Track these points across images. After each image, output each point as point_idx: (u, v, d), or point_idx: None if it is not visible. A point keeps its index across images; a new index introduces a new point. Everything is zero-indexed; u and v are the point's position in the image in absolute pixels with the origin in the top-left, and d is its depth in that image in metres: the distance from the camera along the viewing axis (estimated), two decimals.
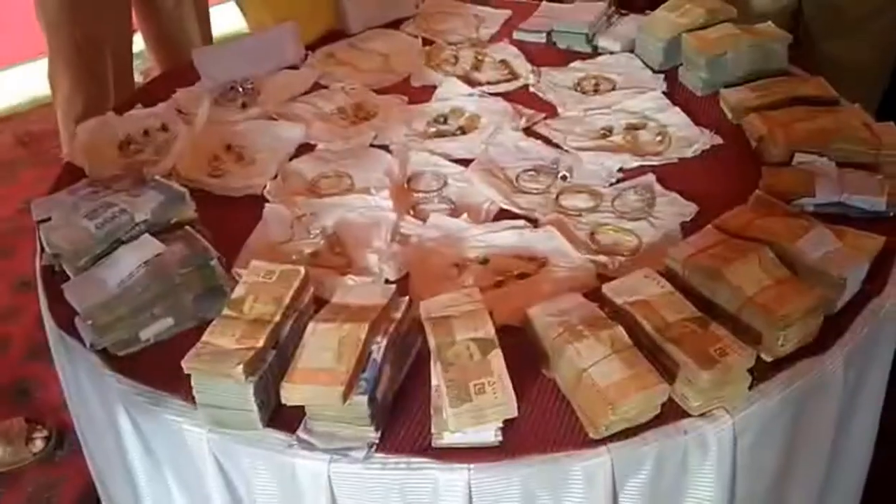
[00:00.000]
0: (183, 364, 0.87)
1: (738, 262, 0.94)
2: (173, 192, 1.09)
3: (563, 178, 1.24)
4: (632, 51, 1.56)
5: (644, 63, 1.52)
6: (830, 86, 1.34)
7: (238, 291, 0.94)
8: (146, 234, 1.02)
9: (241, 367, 0.84)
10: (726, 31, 1.43)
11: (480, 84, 1.50)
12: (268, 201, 1.24)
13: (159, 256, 0.99)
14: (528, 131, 1.37)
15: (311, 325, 0.87)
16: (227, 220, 1.22)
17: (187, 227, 1.06)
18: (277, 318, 0.91)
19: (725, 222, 1.05)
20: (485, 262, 1.10)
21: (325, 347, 0.85)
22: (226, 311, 0.92)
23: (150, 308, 0.99)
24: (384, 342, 0.87)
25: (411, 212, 1.21)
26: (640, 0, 1.91)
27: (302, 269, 0.96)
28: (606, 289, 0.96)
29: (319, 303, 0.98)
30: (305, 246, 1.15)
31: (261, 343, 0.87)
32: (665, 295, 0.94)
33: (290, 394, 0.83)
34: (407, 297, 0.94)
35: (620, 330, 0.88)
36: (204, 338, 0.89)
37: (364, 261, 1.11)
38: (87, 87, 1.87)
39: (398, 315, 0.91)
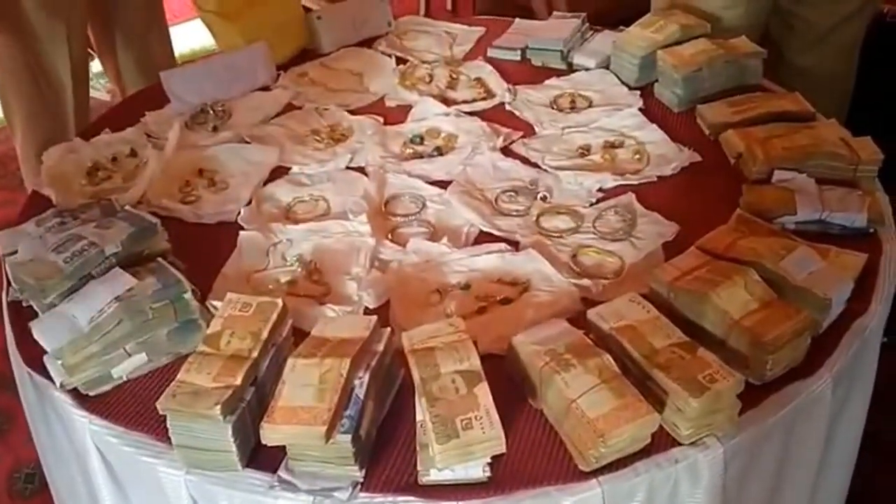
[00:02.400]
0: (158, 405, 0.83)
1: (724, 284, 0.93)
2: (144, 222, 1.05)
3: (543, 198, 1.23)
4: (607, 67, 1.55)
5: (619, 79, 1.51)
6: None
7: (214, 326, 0.91)
8: (117, 268, 0.99)
9: (218, 407, 0.81)
10: (701, 46, 1.43)
11: (456, 103, 1.49)
12: (242, 228, 1.21)
13: (131, 291, 0.96)
14: (506, 151, 1.36)
15: (290, 361, 0.85)
16: (201, 248, 1.19)
17: (159, 259, 1.02)
18: (255, 353, 0.88)
19: (708, 243, 1.04)
20: (466, 287, 1.07)
21: (305, 384, 0.82)
22: (202, 348, 0.89)
23: (122, 345, 0.96)
24: (366, 377, 0.84)
25: (390, 236, 1.19)
26: (612, 16, 1.92)
27: (279, 302, 0.93)
28: (592, 314, 0.95)
29: (298, 334, 0.96)
30: (282, 274, 1.12)
31: (238, 381, 0.84)
32: (651, 320, 0.93)
33: (271, 434, 0.80)
34: (389, 329, 0.92)
35: (608, 358, 0.86)
36: (179, 376, 0.86)
37: (343, 288, 1.08)
38: (42, 119, 1.81)
39: (380, 347, 0.89)
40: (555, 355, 0.87)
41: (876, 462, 1.46)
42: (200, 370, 0.86)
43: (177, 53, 3.08)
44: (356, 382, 0.84)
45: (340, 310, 1.03)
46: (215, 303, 1.04)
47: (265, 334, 0.90)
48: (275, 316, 0.92)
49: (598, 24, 1.67)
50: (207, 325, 0.97)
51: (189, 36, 3.34)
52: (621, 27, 1.65)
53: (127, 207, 1.10)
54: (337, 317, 0.99)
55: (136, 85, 1.95)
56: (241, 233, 1.17)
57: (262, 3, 1.61)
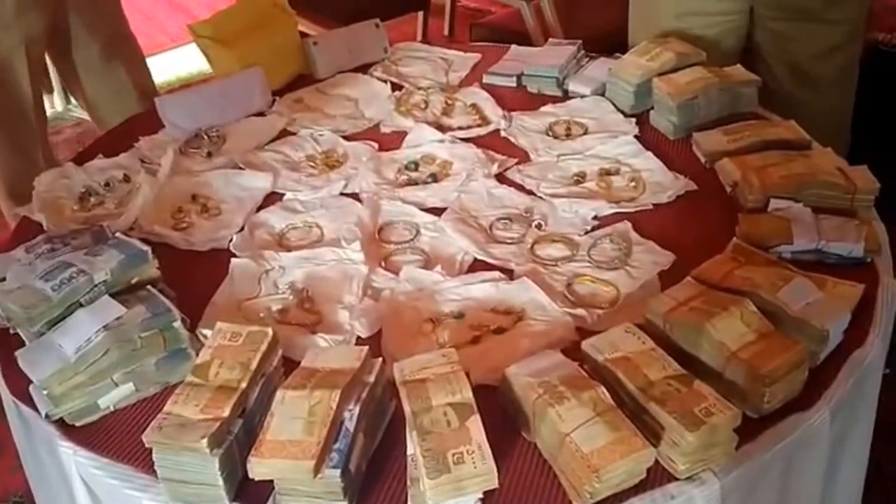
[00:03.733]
0: (144, 438, 0.82)
1: (720, 316, 0.92)
2: (134, 250, 1.04)
3: (538, 226, 1.22)
4: (602, 94, 1.55)
5: (615, 106, 1.51)
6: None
7: (203, 356, 0.90)
8: (105, 296, 0.98)
9: (205, 440, 0.79)
10: (696, 74, 1.43)
11: (451, 129, 1.49)
12: (234, 255, 1.20)
13: (119, 320, 0.95)
14: (501, 177, 1.35)
15: (279, 393, 0.83)
16: (192, 275, 1.18)
17: (149, 287, 1.01)
18: (244, 384, 0.86)
19: (705, 273, 1.03)
20: (460, 316, 1.06)
21: (294, 417, 0.81)
22: (190, 378, 0.88)
23: (109, 374, 0.94)
24: (357, 409, 0.83)
25: (383, 263, 1.18)
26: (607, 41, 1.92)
27: (269, 331, 0.92)
28: (586, 345, 0.93)
29: (289, 364, 0.95)
30: (273, 302, 1.11)
31: (226, 413, 0.83)
32: (646, 351, 0.91)
33: (258, 468, 0.79)
34: (380, 359, 0.90)
35: (602, 391, 0.85)
36: (167, 407, 0.84)
37: (335, 317, 1.07)
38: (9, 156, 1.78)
39: (371, 378, 0.87)
40: (549, 387, 0.86)
41: (884, 497, 1.43)
42: (188, 402, 0.84)
43: (173, 77, 3.09)
44: (346, 415, 0.82)
45: (332, 339, 1.02)
46: (205, 331, 1.02)
47: (254, 364, 0.88)
48: (265, 346, 0.90)
49: (594, 49, 1.67)
50: (197, 354, 0.96)
51: (186, 60, 3.37)
52: (617, 54, 1.66)
53: (118, 234, 1.09)
54: (328, 347, 0.98)
55: (112, 113, 1.89)
56: (233, 260, 1.16)
57: (259, 28, 1.62)
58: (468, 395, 0.83)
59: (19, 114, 1.78)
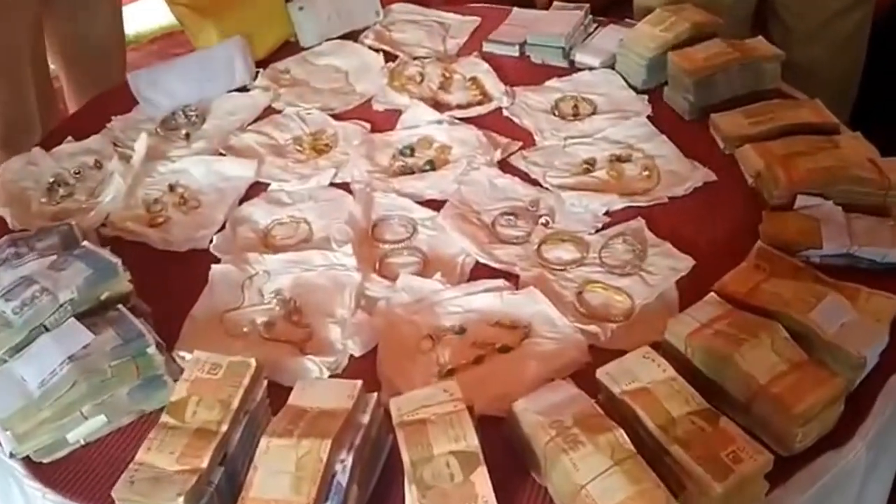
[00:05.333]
0: (114, 494, 0.74)
1: (749, 343, 0.83)
2: (103, 262, 0.95)
3: (545, 223, 1.13)
4: (612, 66, 1.44)
5: (626, 81, 1.40)
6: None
7: (179, 391, 0.81)
8: (71, 320, 0.89)
9: (181, 498, 0.72)
10: (715, 49, 1.32)
11: (449, 108, 1.38)
12: (215, 257, 1.10)
13: (87, 348, 0.86)
14: (504, 164, 1.25)
15: (263, 441, 0.75)
16: (170, 279, 1.09)
17: (120, 307, 0.92)
18: (225, 426, 0.78)
19: (728, 286, 0.94)
20: (461, 332, 0.98)
21: (280, 471, 0.73)
22: (165, 418, 0.79)
23: (77, 408, 0.86)
24: (350, 459, 0.75)
25: (377, 266, 1.09)
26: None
27: (252, 363, 0.83)
28: (602, 374, 0.85)
29: (275, 389, 0.86)
30: (258, 313, 1.02)
31: (205, 462, 0.75)
32: (667, 381, 0.83)
33: None
34: (375, 395, 0.82)
35: (621, 434, 0.77)
36: (139, 456, 0.76)
37: (326, 333, 0.99)
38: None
39: (365, 419, 0.79)
40: (561, 429, 0.78)
41: None
42: (162, 449, 0.76)
43: (156, 26, 2.87)
44: (338, 467, 0.74)
45: (322, 361, 0.93)
46: (183, 353, 0.94)
47: (236, 402, 0.80)
48: (247, 380, 0.82)
49: (598, 3, 1.55)
50: (174, 380, 0.88)
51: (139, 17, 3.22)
52: (627, 19, 1.54)
53: (85, 243, 0.99)
54: (317, 380, 0.89)
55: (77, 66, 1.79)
56: (214, 267, 1.07)
57: None
58: (473, 441, 0.75)
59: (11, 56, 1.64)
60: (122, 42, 1.88)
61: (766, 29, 1.76)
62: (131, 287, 0.96)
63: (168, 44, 3.29)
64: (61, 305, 0.90)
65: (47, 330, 0.89)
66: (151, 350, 0.88)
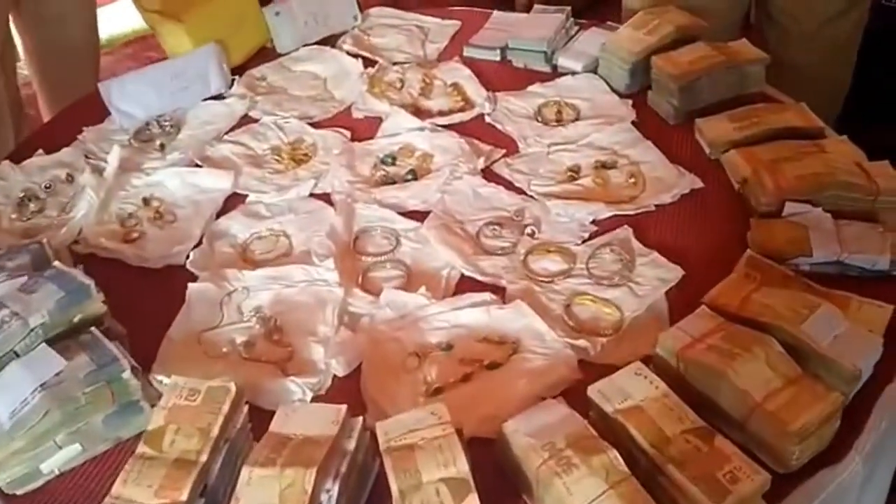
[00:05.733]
0: None
1: (743, 358, 0.82)
2: (75, 283, 0.91)
3: (531, 233, 1.10)
4: (594, 70, 1.42)
5: (609, 85, 1.38)
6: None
7: (156, 420, 0.78)
8: (43, 346, 0.85)
9: None
10: (700, 52, 1.30)
11: (430, 114, 1.35)
12: (192, 273, 1.07)
13: (59, 375, 0.82)
14: (487, 172, 1.22)
15: (245, 471, 0.72)
16: (145, 298, 1.06)
17: (93, 330, 0.88)
18: (204, 456, 0.75)
19: (719, 298, 0.92)
20: (448, 348, 0.95)
21: (263, 503, 0.70)
22: (142, 449, 0.76)
23: (51, 437, 0.82)
24: (335, 488, 0.72)
25: (360, 279, 1.06)
26: None
27: (232, 387, 0.80)
28: (593, 392, 0.83)
29: (257, 413, 0.84)
30: (238, 332, 0.99)
31: (185, 495, 0.72)
32: (660, 398, 0.81)
33: None
34: (360, 419, 0.79)
35: (615, 456, 0.75)
36: (115, 489, 0.73)
37: (308, 352, 0.96)
38: None
39: (351, 445, 0.77)
40: (554, 451, 0.76)
41: None
42: (140, 481, 0.73)
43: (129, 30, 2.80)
44: (323, 497, 0.72)
45: (305, 383, 0.91)
46: (160, 377, 0.91)
47: (216, 430, 0.77)
48: (227, 406, 0.79)
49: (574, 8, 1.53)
50: (151, 405, 0.85)
51: (112, 20, 3.18)
52: (609, 23, 1.52)
53: (56, 264, 0.95)
54: (300, 405, 0.86)
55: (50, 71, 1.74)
56: (191, 286, 1.03)
57: (212, 0, 1.45)
58: (464, 467, 0.73)
59: None
60: (97, 47, 1.84)
61: (762, 32, 1.76)
62: (105, 308, 0.93)
63: (142, 47, 3.24)
64: (32, 330, 0.87)
65: (17, 356, 0.86)
66: (127, 375, 0.85)
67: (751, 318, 0.89)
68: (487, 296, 1.00)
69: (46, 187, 1.22)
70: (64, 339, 0.88)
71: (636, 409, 0.80)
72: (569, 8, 1.51)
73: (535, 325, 0.96)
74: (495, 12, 1.61)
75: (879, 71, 2.04)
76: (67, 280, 0.92)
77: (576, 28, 1.50)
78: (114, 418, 0.86)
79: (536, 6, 1.55)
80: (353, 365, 0.94)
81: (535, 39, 1.44)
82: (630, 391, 0.82)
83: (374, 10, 1.64)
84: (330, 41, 1.55)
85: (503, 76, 1.45)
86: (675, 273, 1.02)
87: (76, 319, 0.90)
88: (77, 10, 1.74)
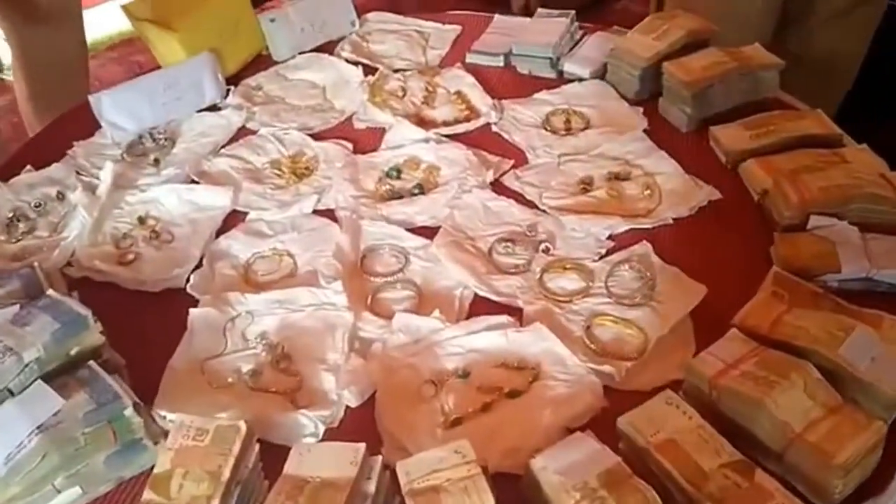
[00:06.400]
0: None
1: (780, 387, 0.78)
2: (72, 315, 0.86)
3: (545, 249, 1.06)
4: (602, 76, 1.37)
5: (617, 91, 1.34)
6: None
7: (162, 463, 0.73)
8: (38, 383, 0.80)
9: None
10: (712, 58, 1.26)
11: (435, 124, 1.30)
12: (192, 297, 1.02)
13: (57, 415, 0.77)
14: (497, 184, 1.18)
15: None
16: (144, 324, 1.01)
17: (91, 365, 0.83)
18: (216, 502, 0.70)
19: (749, 320, 0.88)
20: (465, 375, 0.91)
21: None
22: (148, 496, 0.71)
23: (49, 481, 0.77)
24: None
25: (369, 301, 1.02)
26: None
27: (242, 426, 0.75)
28: (623, 424, 0.79)
29: (267, 448, 0.79)
30: (243, 360, 0.94)
31: None
32: (694, 430, 0.77)
33: None
34: (379, 459, 0.75)
35: (653, 496, 0.71)
36: None
37: (318, 381, 0.91)
38: None
39: (371, 487, 0.72)
40: (587, 492, 0.71)
41: None
42: None
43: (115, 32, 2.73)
44: None
45: (317, 416, 0.86)
46: (163, 413, 0.86)
47: (226, 473, 0.72)
48: (237, 446, 0.74)
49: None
50: (154, 442, 0.81)
51: (96, 22, 3.12)
52: (616, 27, 1.48)
53: (50, 293, 0.90)
54: (315, 445, 0.81)
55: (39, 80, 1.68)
56: (192, 312, 0.98)
57: (206, 7, 1.39)
58: None
59: None
60: (86, 59, 1.78)
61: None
62: (103, 339, 0.88)
63: (127, 51, 3.17)
64: (26, 365, 0.82)
65: (11, 394, 0.81)
66: (129, 412, 0.80)
67: (784, 341, 0.85)
68: (504, 318, 0.96)
69: (36, 206, 1.17)
70: (61, 374, 0.83)
71: (670, 442, 0.76)
72: (573, 12, 1.47)
73: (555, 350, 0.92)
74: (497, 16, 1.56)
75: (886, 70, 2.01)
76: (63, 310, 0.86)
77: (580, 32, 1.46)
78: (116, 458, 0.81)
79: (540, 10, 1.50)
80: (367, 395, 0.89)
81: (540, 45, 1.39)
82: (662, 422, 0.78)
83: (371, 15, 1.59)
84: (327, 48, 1.51)
85: (507, 83, 1.41)
86: (698, 291, 0.98)
87: (73, 352, 0.85)
88: (66, 18, 1.68)
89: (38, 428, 0.76)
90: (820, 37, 1.66)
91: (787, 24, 1.63)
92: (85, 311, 0.87)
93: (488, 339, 0.94)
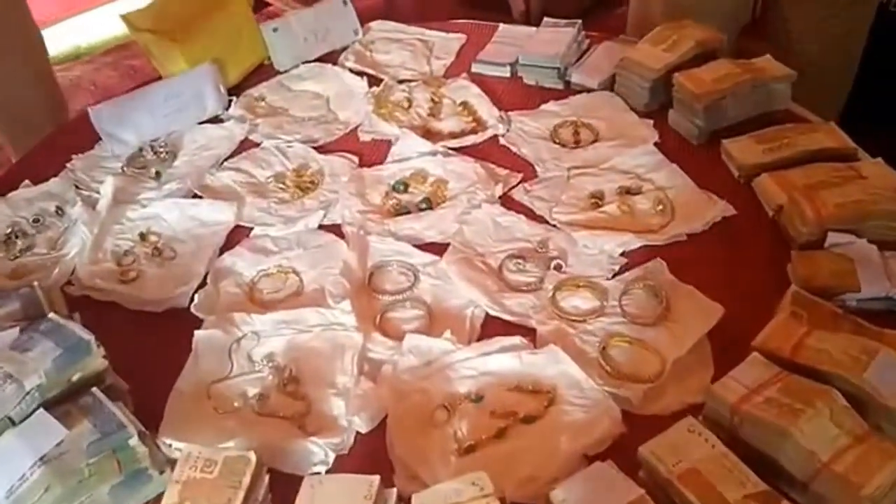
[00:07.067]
0: None
1: (806, 415, 0.75)
2: (74, 339, 0.84)
3: (557, 266, 1.04)
4: (611, 87, 1.35)
5: (626, 102, 1.32)
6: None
7: (170, 496, 0.71)
8: (40, 412, 0.78)
9: None
10: (724, 69, 1.24)
11: (441, 136, 1.28)
12: (196, 317, 1.00)
13: (60, 446, 0.75)
14: (506, 199, 1.16)
15: None
16: (147, 346, 0.98)
17: (94, 392, 0.81)
18: None
19: (770, 343, 0.86)
20: (478, 399, 0.88)
21: None
22: None
23: None
24: None
25: (378, 320, 0.99)
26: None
27: (252, 458, 0.73)
28: (646, 453, 0.77)
29: (276, 477, 0.77)
30: (249, 383, 0.92)
31: None
32: (717, 458, 0.75)
33: None
34: (395, 491, 0.73)
35: None
36: None
37: (327, 406, 0.89)
38: None
39: None
40: None
41: None
42: None
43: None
44: None
45: (327, 443, 0.83)
46: (169, 441, 0.83)
47: None
48: (247, 478, 0.72)
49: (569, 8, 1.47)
50: (160, 472, 0.78)
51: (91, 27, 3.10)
52: (622, 36, 1.46)
53: (52, 316, 0.87)
54: (327, 478, 0.78)
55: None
56: (197, 334, 0.96)
57: (207, 16, 1.37)
58: None
59: None
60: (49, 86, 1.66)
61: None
62: (106, 364, 0.85)
63: (123, 55, 3.14)
64: (28, 393, 0.79)
65: (13, 422, 0.78)
66: (133, 442, 0.78)
67: (807, 365, 0.83)
68: (518, 339, 0.94)
69: (35, 221, 1.14)
70: (63, 401, 0.80)
71: (693, 471, 0.74)
72: (580, 21, 1.45)
73: (571, 372, 0.89)
74: (501, 25, 1.54)
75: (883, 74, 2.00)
76: (65, 335, 0.84)
77: (587, 42, 1.44)
78: (120, 489, 0.78)
79: (546, 19, 1.48)
80: (377, 420, 0.87)
81: (547, 55, 1.37)
82: (684, 451, 0.76)
83: (374, 24, 1.57)
84: (331, 58, 1.48)
85: (514, 93, 1.38)
86: (715, 311, 0.95)
87: (75, 378, 0.83)
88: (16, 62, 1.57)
89: (40, 460, 0.74)
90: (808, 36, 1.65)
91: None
92: (88, 336, 0.84)
93: (502, 361, 0.92)
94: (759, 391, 0.80)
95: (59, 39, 3.12)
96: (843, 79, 1.77)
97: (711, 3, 1.57)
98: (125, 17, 1.32)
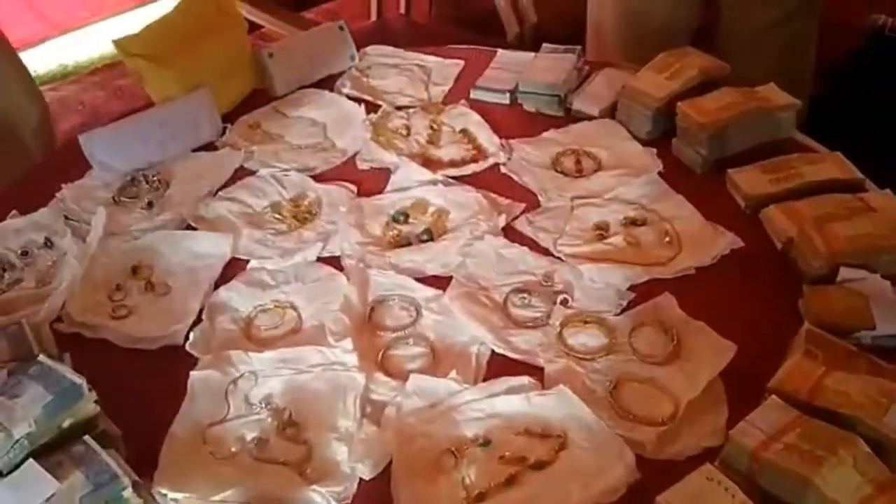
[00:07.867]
0: None
1: (829, 463, 0.73)
2: (65, 384, 0.80)
3: (564, 301, 1.01)
4: (612, 114, 1.33)
5: (628, 131, 1.30)
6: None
7: None
8: (30, 462, 0.74)
9: None
10: (727, 98, 1.23)
11: (442, 165, 1.26)
12: (192, 356, 0.96)
13: (51, 500, 0.71)
14: (509, 230, 1.13)
15: None
16: (140, 387, 0.95)
17: (87, 440, 0.77)
18: None
19: (787, 384, 0.84)
20: (486, 443, 0.85)
21: None
22: None
23: None
24: None
25: (380, 358, 0.96)
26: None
27: None
28: (663, 503, 0.74)
29: None
30: (247, 427, 0.88)
31: None
32: None
33: None
34: None
35: None
36: None
37: (329, 451, 0.85)
38: None
39: None
40: None
41: None
42: None
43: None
44: None
45: (329, 492, 0.80)
46: (164, 490, 0.79)
47: None
48: None
49: (561, 29, 1.45)
50: None
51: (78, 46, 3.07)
52: (624, 62, 1.44)
53: (41, 358, 0.84)
54: None
55: None
56: (192, 375, 0.92)
57: (200, 41, 1.34)
58: None
59: None
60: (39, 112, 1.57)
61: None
62: (98, 409, 0.81)
63: (110, 75, 3.11)
64: (16, 441, 0.75)
65: (1, 474, 0.74)
66: (128, 493, 0.74)
67: (827, 408, 0.80)
68: (526, 380, 0.91)
69: (22, 254, 1.11)
70: (54, 450, 0.76)
71: None
72: (579, 48, 1.43)
73: (581, 415, 0.86)
74: (500, 51, 1.52)
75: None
76: (55, 379, 0.80)
77: (586, 68, 1.42)
78: None
79: (545, 45, 1.46)
80: (381, 466, 0.84)
81: (548, 83, 1.35)
82: (703, 501, 0.73)
83: (371, 49, 1.55)
84: (327, 84, 1.46)
85: (514, 121, 1.36)
86: (727, 349, 0.93)
87: (66, 424, 0.79)
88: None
89: None
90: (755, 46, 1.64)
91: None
92: (79, 380, 0.80)
93: (509, 402, 0.89)
94: (778, 437, 0.77)
95: (46, 58, 3.09)
96: (795, 90, 1.76)
97: (659, 11, 1.57)
98: (117, 43, 1.29)
